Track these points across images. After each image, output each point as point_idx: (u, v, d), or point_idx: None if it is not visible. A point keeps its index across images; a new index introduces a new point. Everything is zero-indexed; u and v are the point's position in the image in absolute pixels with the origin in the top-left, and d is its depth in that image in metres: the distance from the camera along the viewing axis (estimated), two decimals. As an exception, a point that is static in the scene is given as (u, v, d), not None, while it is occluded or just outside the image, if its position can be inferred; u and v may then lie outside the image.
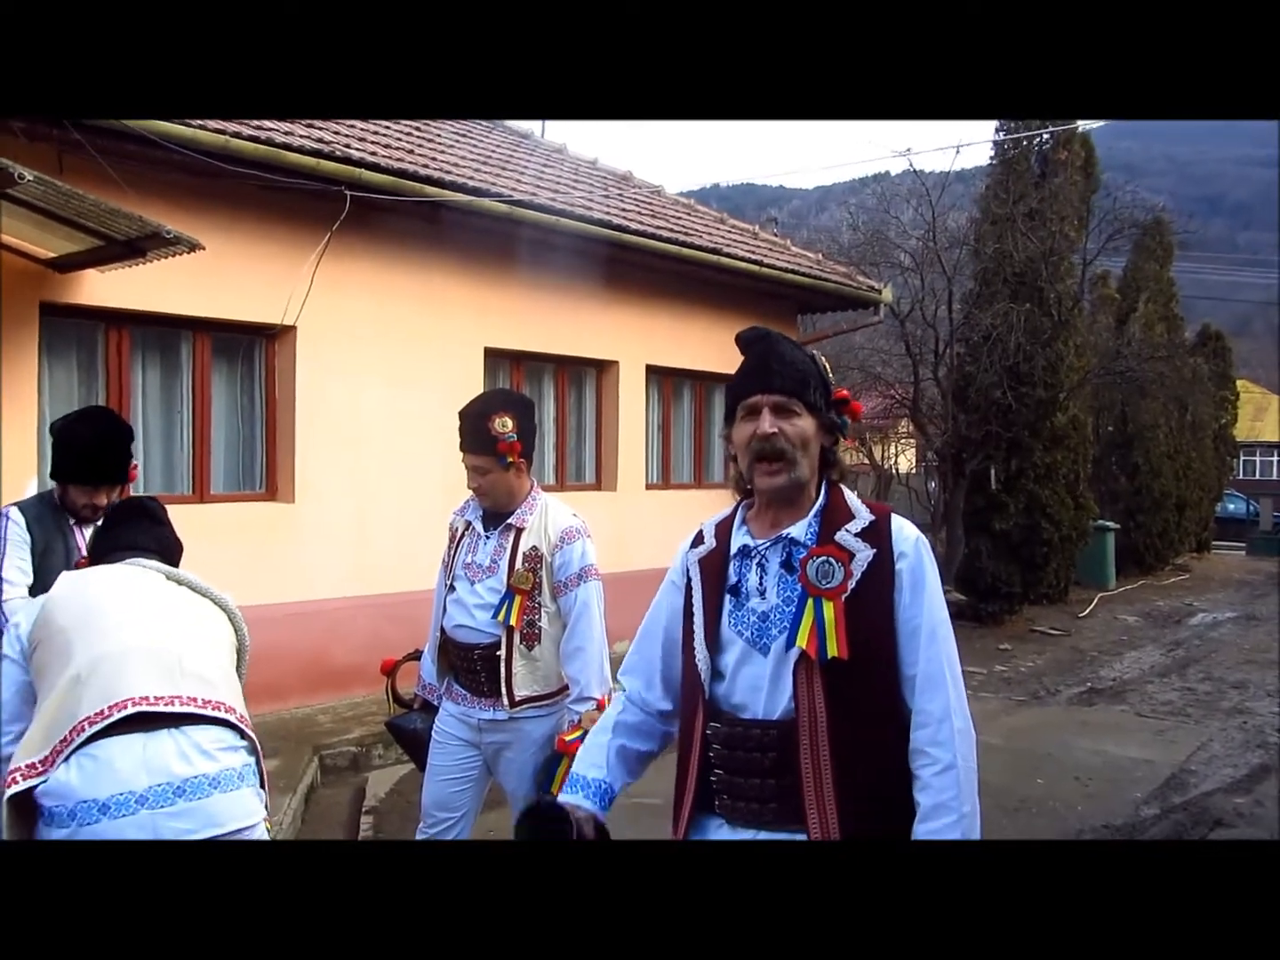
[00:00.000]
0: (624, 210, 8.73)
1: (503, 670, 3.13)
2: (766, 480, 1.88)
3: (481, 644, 3.15)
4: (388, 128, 7.83)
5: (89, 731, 2.15)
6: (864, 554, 1.84)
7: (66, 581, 2.55)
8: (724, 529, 2.01)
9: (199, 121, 5.53)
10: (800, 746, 1.80)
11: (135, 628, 2.34)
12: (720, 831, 1.88)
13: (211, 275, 5.95)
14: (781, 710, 1.83)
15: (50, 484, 3.43)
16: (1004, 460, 12.11)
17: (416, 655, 3.54)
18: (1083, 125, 12.87)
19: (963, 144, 19.46)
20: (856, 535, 1.86)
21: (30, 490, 3.71)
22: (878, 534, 1.87)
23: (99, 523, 3.40)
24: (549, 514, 3.21)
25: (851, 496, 1.95)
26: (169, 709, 2.20)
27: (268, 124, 6.13)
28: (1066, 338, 12.35)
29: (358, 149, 6.58)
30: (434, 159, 7.44)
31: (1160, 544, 16.90)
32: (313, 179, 6.11)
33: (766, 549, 1.91)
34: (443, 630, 3.28)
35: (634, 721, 2.08)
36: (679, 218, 9.68)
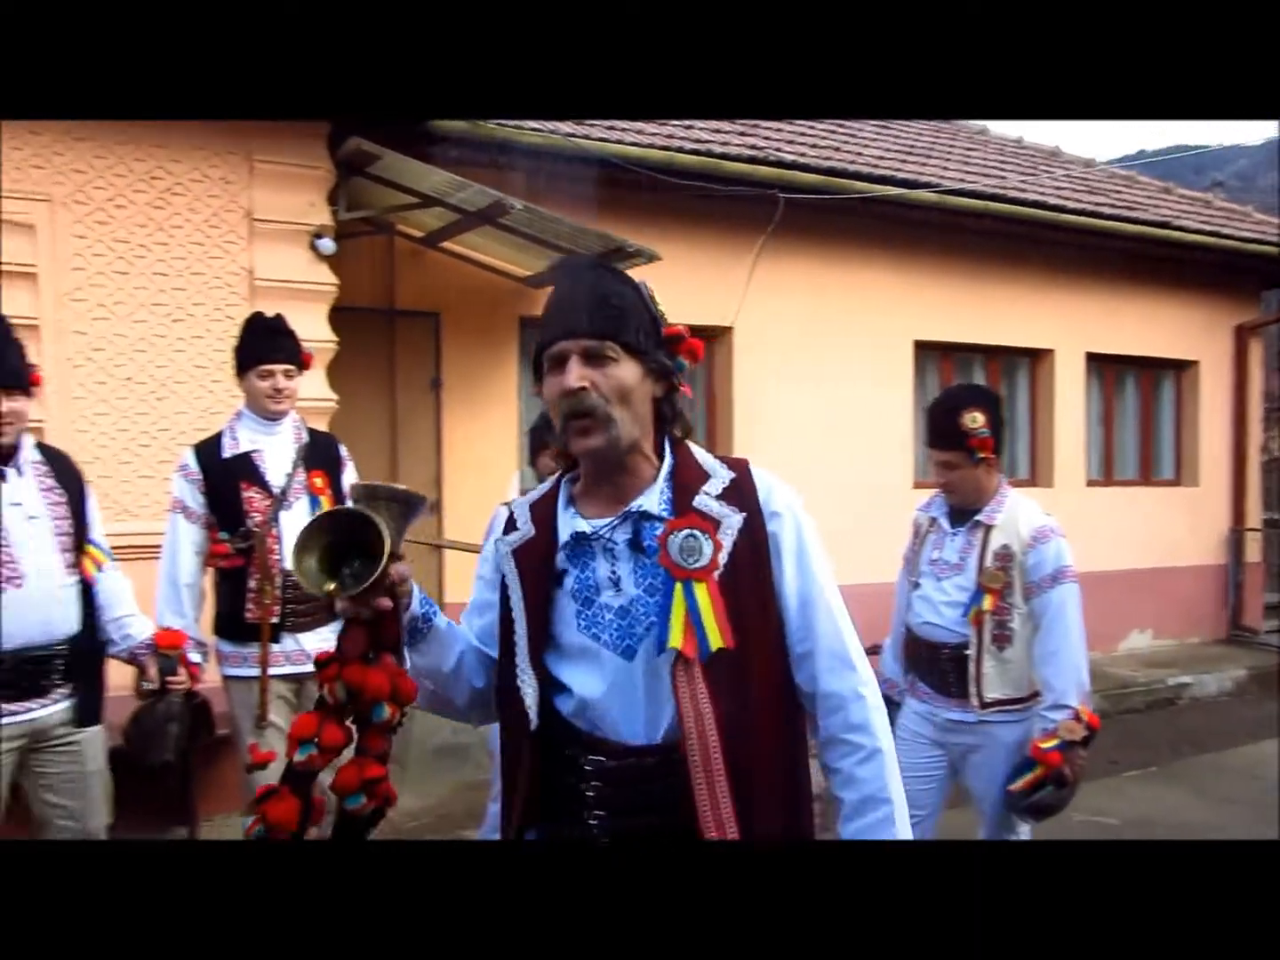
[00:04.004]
0: (1058, 189, 8.22)
1: (972, 670, 3.07)
2: (579, 441, 1.54)
3: (950, 643, 3.12)
4: (812, 127, 7.96)
5: None
6: (732, 519, 1.56)
7: None
8: (543, 511, 1.66)
9: (647, 140, 5.95)
10: (692, 771, 1.47)
11: None
12: None
13: (658, 283, 6.30)
14: (665, 729, 1.52)
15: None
16: None
17: (875, 650, 3.56)
18: None
19: None
20: (718, 498, 1.58)
21: (514, 486, 4.09)
22: (742, 493, 1.59)
23: None
24: (1020, 512, 3.12)
25: (701, 453, 1.66)
26: None
27: (703, 136, 6.46)
28: None
29: (788, 151, 6.75)
30: (859, 154, 7.45)
31: None
32: (748, 185, 6.35)
33: (611, 530, 1.57)
34: (907, 627, 3.28)
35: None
36: (1118, 191, 8.94)
